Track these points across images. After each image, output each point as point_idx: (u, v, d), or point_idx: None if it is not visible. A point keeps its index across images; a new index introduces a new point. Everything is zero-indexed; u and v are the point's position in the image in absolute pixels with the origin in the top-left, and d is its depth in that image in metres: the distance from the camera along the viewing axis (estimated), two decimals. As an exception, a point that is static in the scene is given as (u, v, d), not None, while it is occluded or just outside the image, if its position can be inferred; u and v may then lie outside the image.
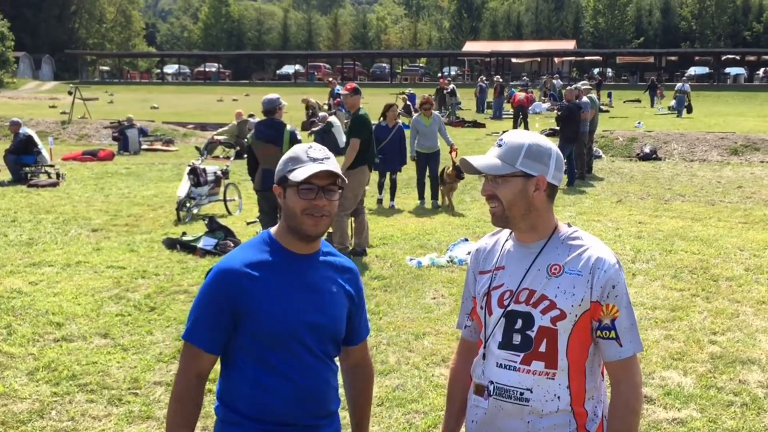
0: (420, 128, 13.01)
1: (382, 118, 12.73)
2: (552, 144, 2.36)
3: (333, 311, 2.45)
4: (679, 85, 34.85)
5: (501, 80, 37.42)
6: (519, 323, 2.28)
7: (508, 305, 2.30)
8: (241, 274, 2.31)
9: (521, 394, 2.26)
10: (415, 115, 13.37)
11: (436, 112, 13.40)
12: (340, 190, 2.40)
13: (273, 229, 2.46)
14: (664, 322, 6.76)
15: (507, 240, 2.42)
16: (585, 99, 16.15)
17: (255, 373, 2.34)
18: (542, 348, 2.24)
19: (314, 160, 2.35)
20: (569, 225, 2.39)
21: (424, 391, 5.29)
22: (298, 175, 2.32)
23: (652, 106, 40.25)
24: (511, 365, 2.28)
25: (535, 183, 2.28)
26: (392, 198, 12.98)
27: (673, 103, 34.80)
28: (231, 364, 2.39)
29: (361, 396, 2.69)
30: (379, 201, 13.09)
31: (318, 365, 2.41)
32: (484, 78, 46.38)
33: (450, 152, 12.79)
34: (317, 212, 2.34)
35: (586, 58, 69.99)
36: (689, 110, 33.18)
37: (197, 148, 18.69)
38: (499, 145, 2.32)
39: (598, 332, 2.26)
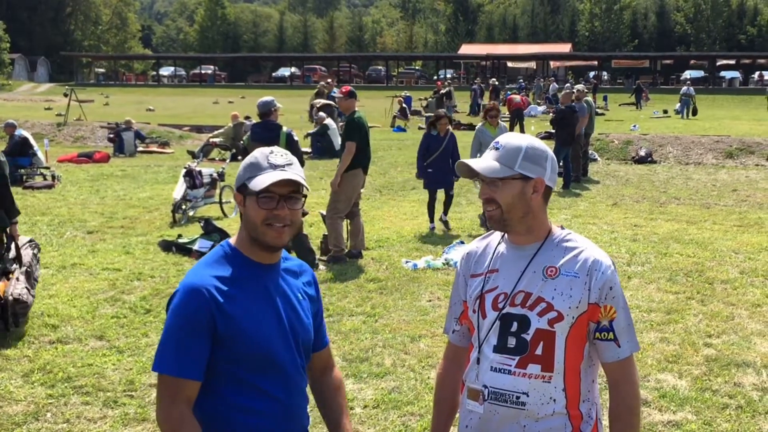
0: (484, 139, 11.30)
1: (432, 128, 11.31)
2: (547, 146, 2.37)
3: (305, 319, 2.35)
4: (684, 88, 36.51)
5: (497, 83, 37.49)
6: (514, 326, 2.27)
7: (503, 308, 2.29)
8: (214, 293, 2.15)
9: (517, 397, 2.25)
10: (479, 124, 11.75)
11: (504, 123, 11.67)
12: (304, 198, 2.29)
13: (233, 240, 2.32)
14: (660, 325, 6.78)
15: (499, 243, 2.41)
16: (582, 103, 16.18)
17: (235, 397, 2.19)
18: (538, 351, 2.24)
19: (275, 166, 2.21)
20: (562, 227, 2.39)
21: (419, 394, 5.29)
22: (257, 183, 2.18)
23: (638, 108, 41.26)
24: (505, 369, 2.27)
25: (533, 185, 2.29)
26: (445, 213, 11.23)
27: (678, 106, 36.40)
28: (204, 389, 2.19)
29: (335, 402, 2.51)
30: (432, 229, 11.03)
31: (299, 379, 2.32)
32: (480, 81, 46.45)
33: None
34: (278, 222, 2.20)
35: (583, 63, 70.08)
36: (694, 112, 34.36)
37: (190, 152, 18.67)
38: (497, 148, 2.32)
39: (597, 334, 2.26)
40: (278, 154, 2.25)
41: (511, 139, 2.33)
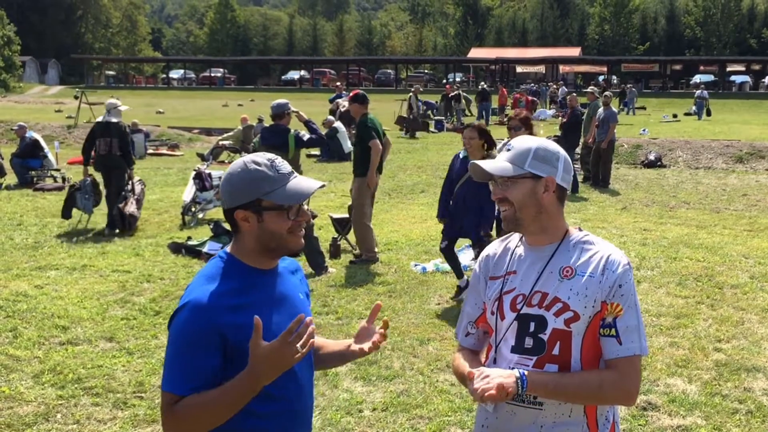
0: None
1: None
2: (560, 148, 2.39)
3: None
4: (698, 92, 39.85)
5: (486, 87, 37.19)
6: (532, 326, 2.28)
7: (521, 309, 2.30)
8: (220, 308, 2.11)
9: (534, 398, 2.25)
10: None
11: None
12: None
13: (230, 249, 2.27)
14: (669, 329, 6.76)
15: (517, 245, 2.43)
16: (612, 108, 16.15)
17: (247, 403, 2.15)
18: (555, 351, 2.24)
19: (287, 176, 2.20)
20: (580, 229, 2.41)
21: (428, 397, 5.29)
22: (289, 195, 2.17)
23: (621, 110, 41.63)
24: (523, 369, 2.26)
25: (544, 184, 2.31)
26: None
27: (693, 108, 39.17)
28: None
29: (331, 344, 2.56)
30: None
31: (306, 381, 2.33)
32: (487, 84, 46.37)
33: None
34: (300, 228, 2.24)
35: (593, 68, 69.88)
36: (708, 113, 37.14)
37: (199, 155, 18.76)
38: (508, 150, 2.36)
39: (601, 330, 2.24)
40: (280, 161, 2.23)
41: (522, 141, 2.38)
